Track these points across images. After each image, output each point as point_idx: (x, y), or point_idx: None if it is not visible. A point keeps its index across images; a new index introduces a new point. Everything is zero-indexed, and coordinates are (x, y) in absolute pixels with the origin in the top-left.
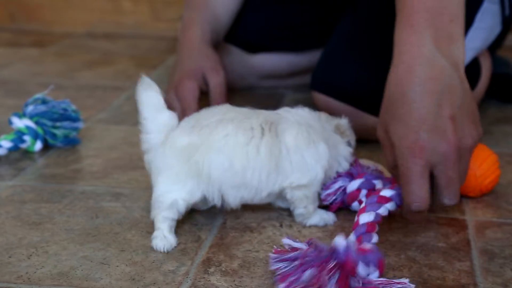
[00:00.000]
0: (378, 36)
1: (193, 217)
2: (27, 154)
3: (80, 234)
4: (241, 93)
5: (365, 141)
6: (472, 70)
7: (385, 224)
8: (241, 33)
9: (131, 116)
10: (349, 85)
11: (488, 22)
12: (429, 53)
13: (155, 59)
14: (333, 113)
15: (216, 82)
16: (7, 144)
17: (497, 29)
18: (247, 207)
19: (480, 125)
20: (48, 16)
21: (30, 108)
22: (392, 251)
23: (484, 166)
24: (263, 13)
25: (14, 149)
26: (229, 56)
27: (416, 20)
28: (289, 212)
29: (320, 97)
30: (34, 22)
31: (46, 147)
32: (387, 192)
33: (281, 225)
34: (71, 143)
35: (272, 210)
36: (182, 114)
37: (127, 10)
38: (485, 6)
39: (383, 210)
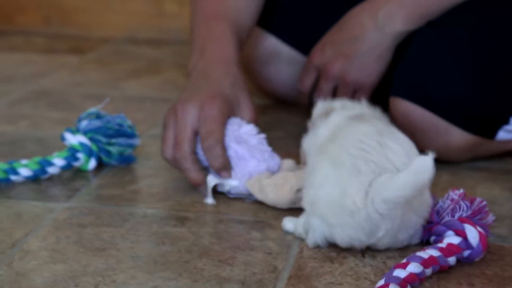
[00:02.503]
0: (487, 51)
1: (266, 245)
2: (80, 173)
3: (148, 261)
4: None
5: (445, 163)
6: None
7: None
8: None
9: None
10: (446, 94)
11: None
12: (378, 22)
13: None
14: (412, 124)
15: (250, 118)
16: (60, 162)
17: None
18: None
19: (370, 79)
20: (84, 19)
21: (84, 124)
22: (490, 287)
23: None
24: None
25: (67, 167)
26: (278, 62)
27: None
28: None
29: (403, 105)
30: (70, 26)
31: (100, 165)
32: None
33: (363, 255)
34: (126, 161)
35: None
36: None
37: (171, 13)
38: None
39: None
